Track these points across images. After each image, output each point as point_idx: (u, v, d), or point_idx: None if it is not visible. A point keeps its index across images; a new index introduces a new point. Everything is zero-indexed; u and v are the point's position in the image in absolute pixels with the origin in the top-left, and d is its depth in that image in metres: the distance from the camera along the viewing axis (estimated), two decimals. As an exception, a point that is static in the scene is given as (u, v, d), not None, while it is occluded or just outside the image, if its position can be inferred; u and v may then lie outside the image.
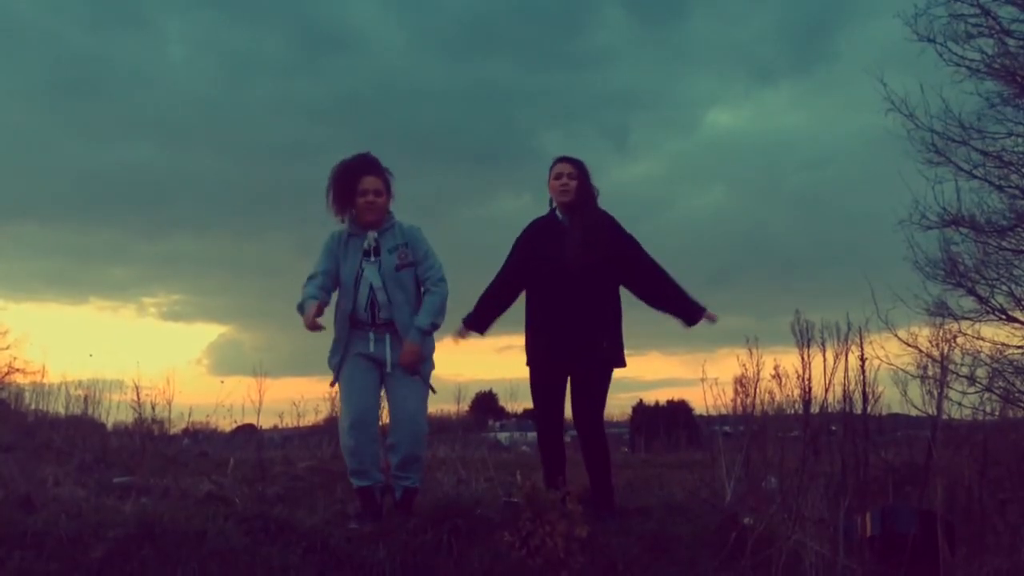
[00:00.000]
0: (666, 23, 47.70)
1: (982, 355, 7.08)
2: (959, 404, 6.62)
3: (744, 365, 5.19)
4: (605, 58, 46.67)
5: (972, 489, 4.25)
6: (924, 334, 6.70)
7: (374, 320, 3.96)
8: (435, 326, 4.02)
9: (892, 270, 7.61)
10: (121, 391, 7.97)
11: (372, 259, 3.98)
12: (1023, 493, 4.50)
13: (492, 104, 46.13)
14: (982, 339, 7.15)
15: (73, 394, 8.39)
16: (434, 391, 4.05)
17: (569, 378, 4.10)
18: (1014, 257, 7.10)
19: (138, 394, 7.33)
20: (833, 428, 5.43)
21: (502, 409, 25.59)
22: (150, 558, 3.33)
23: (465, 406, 16.91)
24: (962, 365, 6.85)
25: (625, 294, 4.22)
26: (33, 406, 9.02)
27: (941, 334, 6.45)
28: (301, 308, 3.91)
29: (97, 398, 8.28)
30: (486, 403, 26.33)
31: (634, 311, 4.26)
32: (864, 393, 5.08)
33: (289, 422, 10.34)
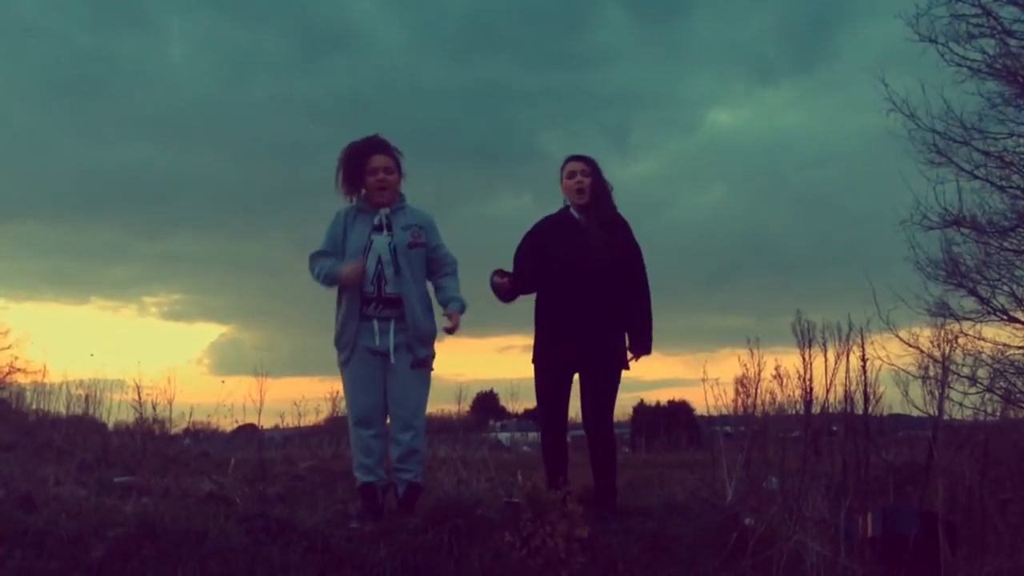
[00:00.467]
0: (666, 23, 47.77)
1: (983, 356, 7.05)
2: (960, 405, 6.61)
3: (745, 365, 5.22)
4: (605, 58, 46.73)
5: (973, 489, 4.24)
6: (925, 334, 6.70)
7: (380, 294, 3.88)
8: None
9: (893, 270, 7.60)
10: (122, 391, 7.98)
11: (383, 233, 3.91)
12: (1024, 493, 4.50)
13: (492, 104, 46.15)
14: (983, 340, 7.13)
15: (74, 394, 8.40)
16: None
17: (578, 377, 4.07)
18: (1015, 258, 7.07)
19: (139, 394, 7.35)
20: (834, 428, 5.44)
21: (503, 409, 25.65)
22: (151, 557, 3.32)
23: (466, 406, 16.93)
24: (963, 366, 6.83)
25: None
26: (34, 406, 9.07)
27: (942, 335, 6.49)
28: (330, 275, 3.87)
29: (98, 398, 8.29)
30: (487, 403, 26.36)
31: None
32: (865, 393, 5.09)
33: (290, 422, 10.40)
